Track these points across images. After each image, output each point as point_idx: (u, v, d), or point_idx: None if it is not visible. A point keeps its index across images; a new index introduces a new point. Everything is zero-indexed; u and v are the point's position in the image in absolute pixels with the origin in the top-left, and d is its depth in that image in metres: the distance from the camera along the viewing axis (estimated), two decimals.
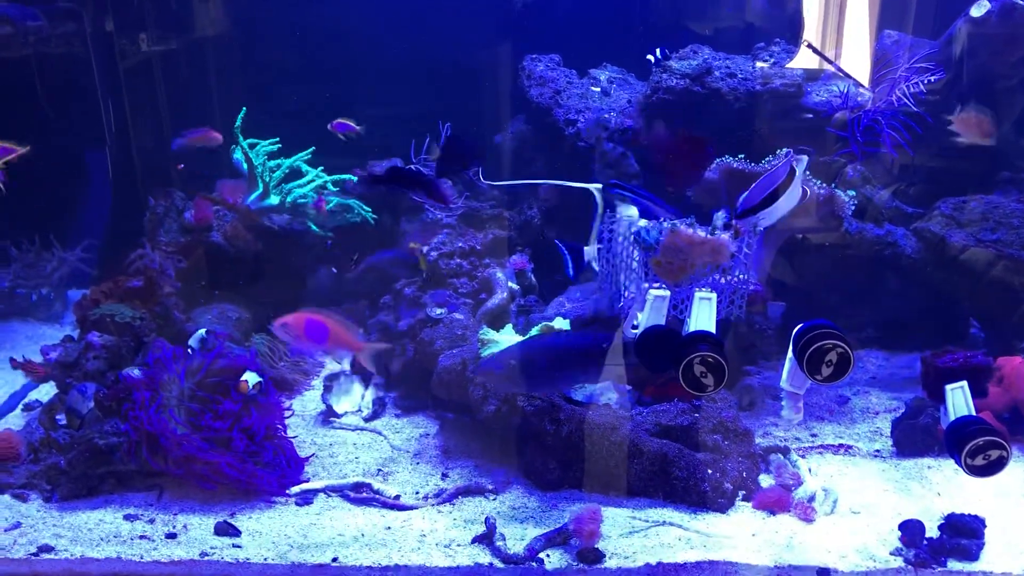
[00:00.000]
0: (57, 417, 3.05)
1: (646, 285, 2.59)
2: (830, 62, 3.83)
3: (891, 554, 2.57)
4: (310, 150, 3.99)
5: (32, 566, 2.51)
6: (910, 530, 2.61)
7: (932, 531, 2.61)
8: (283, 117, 3.97)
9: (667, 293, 2.52)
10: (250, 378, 2.94)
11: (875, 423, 3.39)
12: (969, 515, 2.64)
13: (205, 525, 2.71)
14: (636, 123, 3.89)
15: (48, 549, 2.57)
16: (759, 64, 3.83)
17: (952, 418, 2.43)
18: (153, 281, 3.49)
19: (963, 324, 3.87)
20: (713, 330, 2.42)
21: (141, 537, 2.64)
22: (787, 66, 3.89)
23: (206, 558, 2.54)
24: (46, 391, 3.54)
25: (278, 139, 3.99)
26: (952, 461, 2.36)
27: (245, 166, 3.93)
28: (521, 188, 4.13)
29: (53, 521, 2.73)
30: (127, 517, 2.74)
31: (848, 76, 3.75)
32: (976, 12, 3.57)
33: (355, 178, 4.11)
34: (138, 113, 4.53)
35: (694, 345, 2.33)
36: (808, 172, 3.27)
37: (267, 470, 2.90)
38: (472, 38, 4.38)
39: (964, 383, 2.49)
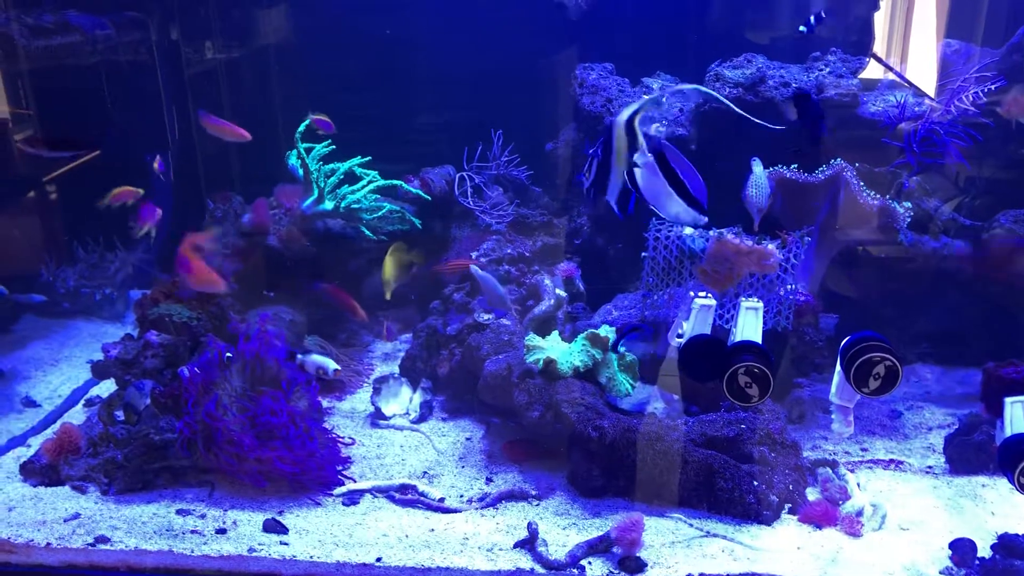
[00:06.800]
0: (115, 413, 3.13)
1: (692, 294, 2.58)
2: (897, 73, 3.76)
3: (940, 573, 2.51)
4: (362, 158, 4.04)
5: (89, 556, 2.60)
6: (961, 549, 2.56)
7: (984, 551, 2.55)
8: (342, 123, 4.03)
9: (713, 302, 2.51)
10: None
11: (928, 439, 3.31)
12: None
13: (254, 522, 2.77)
14: (688, 132, 3.87)
15: (104, 540, 2.66)
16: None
17: (1009, 432, 2.37)
18: None
19: (1022, 339, 3.76)
20: (759, 340, 2.40)
21: (192, 531, 2.71)
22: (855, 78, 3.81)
23: (254, 554, 2.60)
24: (107, 387, 3.66)
25: (330, 141, 4.05)
26: (1007, 480, 2.30)
27: (301, 171, 4.01)
28: (571, 196, 4.15)
29: (109, 513, 2.82)
30: (179, 512, 2.82)
31: (914, 87, 3.67)
32: None
33: (407, 185, 4.16)
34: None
35: (739, 355, 2.32)
36: (862, 183, 3.23)
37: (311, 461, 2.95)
38: (527, 46, 4.40)
39: None
